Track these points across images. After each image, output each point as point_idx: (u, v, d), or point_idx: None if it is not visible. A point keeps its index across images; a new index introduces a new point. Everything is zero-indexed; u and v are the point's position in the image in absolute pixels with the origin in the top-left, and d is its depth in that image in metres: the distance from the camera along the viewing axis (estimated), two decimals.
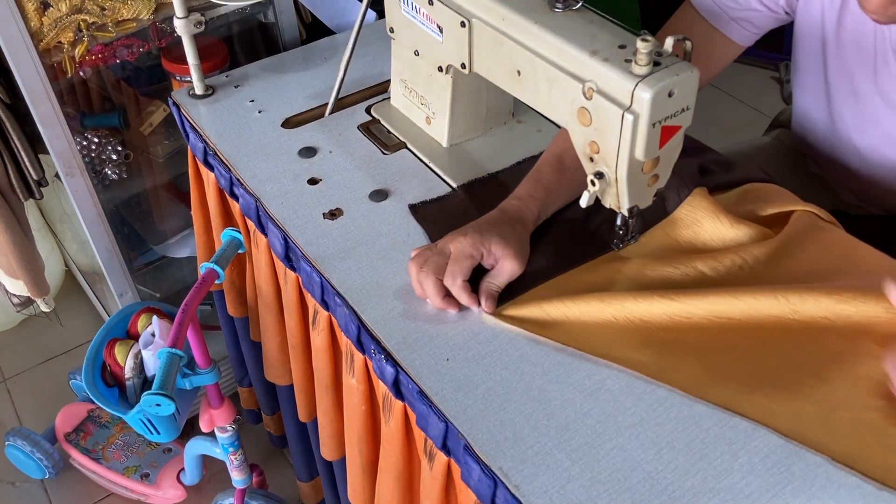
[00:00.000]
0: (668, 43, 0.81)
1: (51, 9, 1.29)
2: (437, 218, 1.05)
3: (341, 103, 1.25)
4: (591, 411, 0.83)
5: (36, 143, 1.46)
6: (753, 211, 1.03)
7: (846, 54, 1.08)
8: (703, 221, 0.99)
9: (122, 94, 1.63)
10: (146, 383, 1.33)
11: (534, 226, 1.00)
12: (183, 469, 1.62)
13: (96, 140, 1.56)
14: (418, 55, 1.11)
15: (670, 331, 0.87)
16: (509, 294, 0.95)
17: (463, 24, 0.98)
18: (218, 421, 1.33)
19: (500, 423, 0.82)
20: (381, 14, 1.39)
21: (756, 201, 1.04)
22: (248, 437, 1.74)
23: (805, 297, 0.87)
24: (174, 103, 1.29)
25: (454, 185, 1.10)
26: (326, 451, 1.20)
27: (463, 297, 0.92)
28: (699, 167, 1.06)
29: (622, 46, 0.83)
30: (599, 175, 0.88)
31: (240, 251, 1.19)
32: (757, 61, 2.83)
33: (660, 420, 0.81)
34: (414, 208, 1.07)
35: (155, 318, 1.33)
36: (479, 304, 0.92)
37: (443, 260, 0.93)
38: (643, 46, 0.78)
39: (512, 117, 1.20)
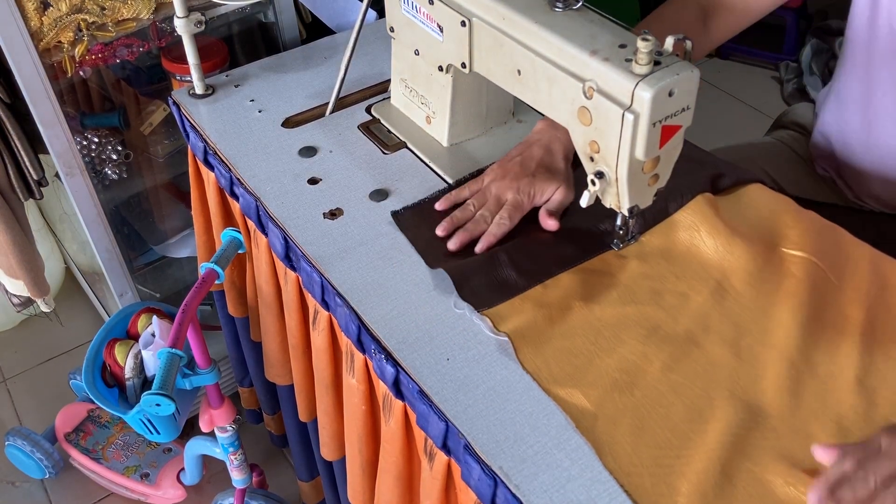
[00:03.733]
0: (669, 42, 0.81)
1: (51, 8, 1.29)
2: (417, 224, 1.04)
3: (341, 103, 1.25)
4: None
5: (36, 143, 1.46)
6: (751, 217, 1.02)
7: None
8: (702, 227, 1.00)
9: (122, 93, 1.63)
10: (146, 383, 1.33)
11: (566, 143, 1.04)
12: (183, 469, 1.62)
13: (96, 140, 1.56)
14: (418, 55, 1.11)
15: (625, 373, 0.86)
16: (504, 294, 0.95)
17: (463, 24, 0.98)
18: (218, 421, 1.33)
19: (500, 422, 0.82)
20: (381, 14, 1.39)
21: (759, 207, 1.04)
22: (249, 437, 1.74)
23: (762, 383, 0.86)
24: (174, 103, 1.29)
25: (450, 181, 1.10)
26: (326, 451, 1.20)
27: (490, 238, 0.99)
28: (711, 178, 1.06)
29: (622, 46, 0.83)
30: (600, 175, 0.88)
31: (240, 251, 1.19)
32: (757, 61, 2.83)
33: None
34: (396, 215, 1.06)
35: (155, 318, 1.33)
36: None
37: (496, 207, 1.01)
38: (643, 46, 0.78)
39: (512, 117, 1.20)
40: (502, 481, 0.77)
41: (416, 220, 1.05)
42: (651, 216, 1.01)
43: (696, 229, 0.99)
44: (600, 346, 0.89)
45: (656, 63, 0.80)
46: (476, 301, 0.94)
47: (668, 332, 0.90)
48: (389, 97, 1.25)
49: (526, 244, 1.00)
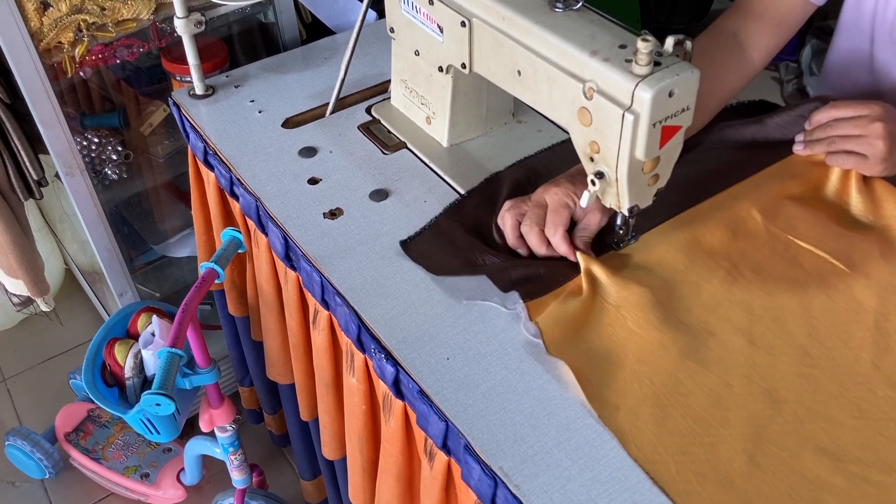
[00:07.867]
0: (669, 43, 0.81)
1: (51, 9, 1.29)
2: (428, 253, 1.01)
3: (341, 103, 1.25)
4: (592, 411, 0.83)
5: (36, 143, 1.46)
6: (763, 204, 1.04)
7: None
8: (707, 222, 1.00)
9: (122, 94, 1.63)
10: (146, 383, 1.33)
11: None
12: (183, 469, 1.62)
13: (96, 140, 1.56)
14: (418, 55, 1.11)
15: (643, 363, 0.87)
16: (537, 290, 0.95)
17: (463, 24, 0.98)
18: (218, 421, 1.34)
19: (500, 422, 0.82)
20: (381, 14, 1.39)
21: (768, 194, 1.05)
22: (249, 436, 1.74)
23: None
24: (174, 103, 1.29)
25: (457, 188, 1.10)
26: (327, 451, 1.20)
27: (562, 247, 0.96)
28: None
29: (622, 46, 0.83)
30: (600, 175, 0.88)
31: (240, 251, 1.19)
32: None
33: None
34: (405, 245, 1.02)
35: (155, 317, 1.33)
36: (575, 256, 0.96)
37: (541, 211, 0.97)
38: (643, 46, 0.78)
39: (512, 117, 1.20)
40: (502, 481, 0.77)
41: (427, 247, 1.01)
42: (651, 216, 1.01)
43: (700, 224, 1.00)
44: (616, 336, 0.89)
45: (656, 63, 0.80)
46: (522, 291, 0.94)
47: (682, 321, 0.91)
48: (389, 98, 1.25)
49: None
